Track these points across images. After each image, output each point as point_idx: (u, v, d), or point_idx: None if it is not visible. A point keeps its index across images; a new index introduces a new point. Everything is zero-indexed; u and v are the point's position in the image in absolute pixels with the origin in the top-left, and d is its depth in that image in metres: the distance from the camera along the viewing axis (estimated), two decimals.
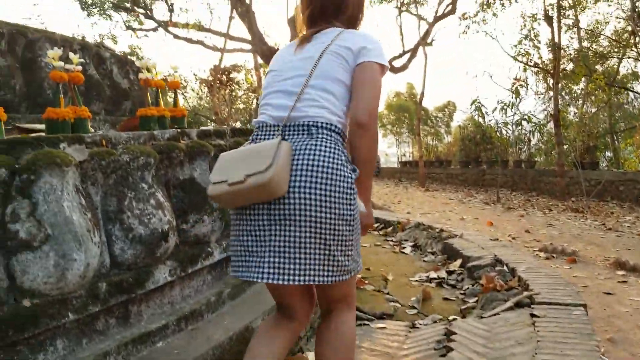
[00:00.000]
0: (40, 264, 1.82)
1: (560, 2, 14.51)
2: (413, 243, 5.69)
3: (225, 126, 3.68)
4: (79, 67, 2.33)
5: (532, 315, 2.90)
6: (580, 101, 20.96)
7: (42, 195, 1.85)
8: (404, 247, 5.54)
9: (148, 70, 2.77)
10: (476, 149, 17.63)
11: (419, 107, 20.18)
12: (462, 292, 3.92)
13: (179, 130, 2.72)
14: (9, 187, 1.83)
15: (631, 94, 20.95)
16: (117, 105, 3.86)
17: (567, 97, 21.85)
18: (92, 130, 2.60)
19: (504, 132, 14.68)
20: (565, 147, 14.73)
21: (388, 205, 12.85)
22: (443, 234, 5.43)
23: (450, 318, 3.23)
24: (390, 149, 31.99)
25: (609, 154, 19.50)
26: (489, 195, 14.41)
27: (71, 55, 2.30)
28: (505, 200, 13.45)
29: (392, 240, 6.02)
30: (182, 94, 23.04)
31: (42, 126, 2.31)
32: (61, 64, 2.21)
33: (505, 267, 4.01)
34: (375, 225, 6.96)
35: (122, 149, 2.28)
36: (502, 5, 14.96)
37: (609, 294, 5.11)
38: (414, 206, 12.78)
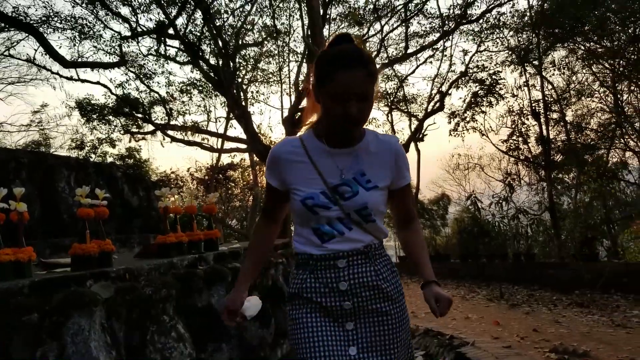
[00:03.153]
0: None
1: (546, 98, 15.14)
2: (424, 352, 5.56)
3: (239, 245, 3.73)
4: (105, 202, 2.41)
5: None
6: (573, 191, 21.26)
7: (71, 336, 1.86)
8: (415, 357, 5.41)
9: (167, 197, 2.85)
10: (474, 242, 17.63)
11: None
12: None
13: (196, 255, 2.76)
14: (39, 330, 1.84)
15: (623, 182, 21.33)
16: (128, 223, 3.91)
17: (559, 187, 22.20)
18: (115, 257, 2.63)
19: (501, 226, 14.76)
20: (563, 238, 14.80)
21: None
22: (454, 341, 5.33)
23: None
24: (389, 243, 31.91)
25: (607, 243, 19.52)
26: (492, 290, 14.24)
27: (97, 191, 2.39)
28: (509, 295, 13.28)
29: None
30: (179, 194, 23.25)
31: (67, 260, 2.35)
32: (88, 201, 2.28)
33: None
34: None
35: (144, 281, 2.30)
36: (490, 104, 15.57)
37: None
38: (417, 304, 12.55)
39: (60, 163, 3.42)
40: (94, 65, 16.49)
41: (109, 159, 23.14)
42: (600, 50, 15.71)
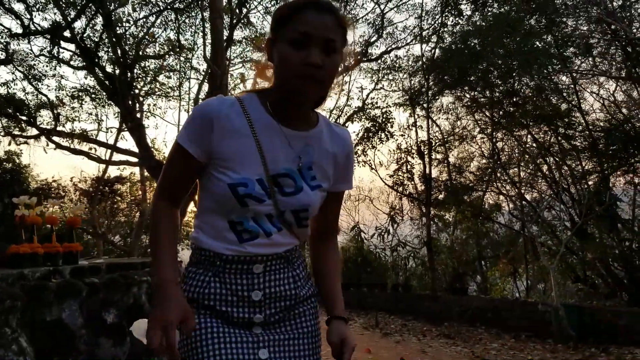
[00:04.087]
0: None
1: (431, 140, 16.07)
2: None
3: (102, 260, 3.62)
4: None
5: None
6: (451, 228, 22.57)
7: None
8: None
9: (26, 206, 2.74)
10: (357, 271, 18.15)
11: None
12: None
13: (51, 268, 2.67)
14: None
15: (496, 223, 22.97)
16: None
17: (440, 224, 23.47)
18: None
19: (381, 256, 15.36)
20: (438, 272, 15.64)
21: None
22: None
23: None
24: None
25: (479, 278, 20.86)
26: (369, 319, 14.70)
27: None
28: (384, 324, 13.78)
29: None
30: (60, 206, 21.98)
31: None
32: None
33: None
34: None
35: None
36: (380, 140, 16.31)
37: None
38: None
39: None
40: None
41: None
42: (482, 99, 16.98)
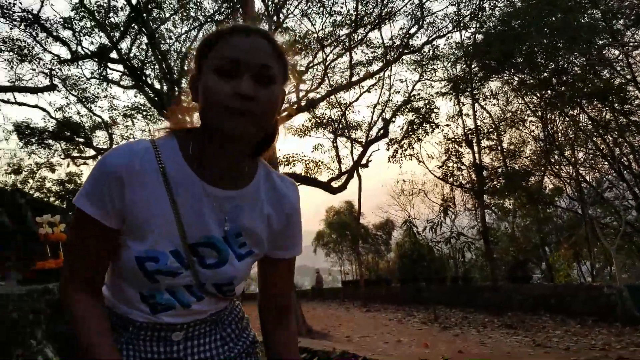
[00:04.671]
0: None
1: (479, 127, 15.75)
2: None
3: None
4: None
5: None
6: (511, 216, 22.05)
7: None
8: None
9: (50, 225, 2.91)
10: (413, 266, 18.00)
11: (358, 226, 20.68)
12: None
13: None
14: None
15: (557, 208, 22.28)
16: (29, 249, 3.92)
17: (498, 213, 22.95)
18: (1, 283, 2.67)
19: (435, 250, 15.17)
20: (497, 262, 15.31)
21: (328, 330, 12.76)
22: None
23: None
24: (334, 267, 32.13)
25: (544, 265, 20.29)
26: (428, 313, 14.54)
27: None
28: (443, 318, 13.59)
29: None
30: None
31: None
32: None
33: None
34: (302, 355, 6.92)
35: (12, 306, 2.35)
36: (425, 132, 16.11)
37: None
38: (354, 329, 12.72)
39: None
40: (19, 89, 16.19)
41: (48, 184, 22.61)
42: (530, 81, 16.49)
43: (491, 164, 17.87)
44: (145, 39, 16.34)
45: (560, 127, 17.92)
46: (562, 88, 15.38)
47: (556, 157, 18.41)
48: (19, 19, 14.75)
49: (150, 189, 1.16)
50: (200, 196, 1.20)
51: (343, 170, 20.28)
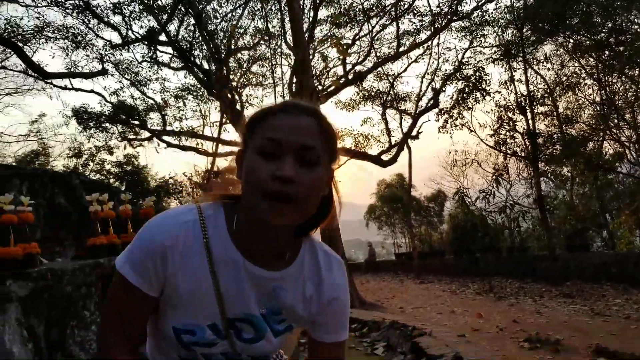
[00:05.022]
0: None
1: (532, 92, 15.25)
2: (386, 343, 5.74)
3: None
4: (29, 208, 2.62)
5: None
6: (569, 184, 21.36)
7: None
8: (376, 348, 5.60)
9: (98, 203, 3.05)
10: (468, 237, 17.77)
11: (409, 199, 20.53)
12: None
13: None
14: None
15: (619, 174, 21.41)
16: (85, 229, 4.12)
17: (556, 181, 22.26)
18: (46, 261, 2.83)
19: (488, 220, 14.92)
20: (554, 230, 14.93)
21: (381, 302, 12.83)
22: (414, 332, 5.50)
23: None
24: (387, 240, 32.13)
25: (605, 234, 19.63)
26: (483, 284, 14.39)
27: (22, 198, 2.59)
28: (498, 289, 13.43)
29: (366, 341, 6.07)
30: (179, 199, 23.61)
31: None
32: (11, 207, 2.49)
33: None
34: (352, 326, 7.02)
35: (66, 280, 2.50)
36: (476, 100, 15.72)
37: None
38: (407, 300, 12.75)
39: (11, 173, 3.63)
40: (73, 75, 16.74)
41: (107, 167, 23.47)
42: (586, 42, 15.79)
43: (546, 130, 17.30)
44: (192, 20, 16.57)
45: (620, 90, 17.10)
46: (621, 48, 14.65)
47: (615, 121, 17.63)
48: (71, 7, 15.23)
49: (193, 263, 1.17)
50: (242, 274, 1.20)
51: (393, 142, 20.18)
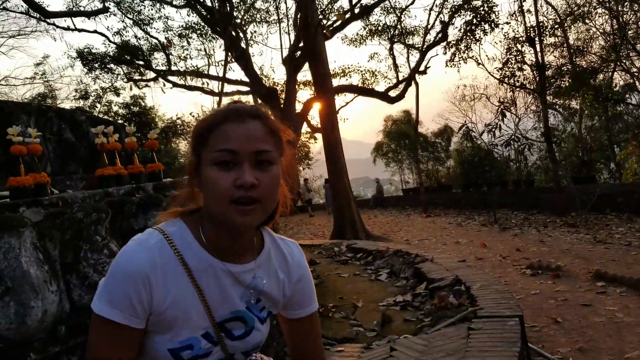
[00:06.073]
0: (3, 313, 2.14)
1: (540, 23, 14.92)
2: (389, 270, 5.95)
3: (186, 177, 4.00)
4: (37, 140, 2.71)
5: (469, 329, 3.16)
6: (577, 116, 21.19)
7: (2, 253, 2.19)
8: (379, 275, 5.81)
9: (104, 135, 3.15)
10: (474, 171, 17.85)
11: (416, 134, 20.51)
12: (422, 312, 4.18)
13: (134, 185, 3.05)
14: None
15: (628, 104, 21.17)
16: (94, 163, 4.24)
17: (565, 113, 22.06)
18: (57, 191, 2.96)
19: (494, 153, 14.94)
20: (562, 162, 14.96)
21: (388, 234, 13.09)
22: (417, 259, 5.68)
23: (402, 337, 3.49)
24: (395, 177, 32.28)
25: (612, 165, 19.61)
26: (488, 216, 14.58)
27: (30, 130, 2.68)
28: (503, 220, 13.62)
29: (370, 269, 6.28)
30: (187, 139, 23.76)
31: (6, 193, 2.67)
32: (20, 139, 2.58)
33: (462, 287, 4.27)
34: (358, 255, 7.24)
35: (77, 207, 2.62)
36: (484, 32, 15.40)
37: (587, 305, 5.33)
38: (413, 233, 12.99)
39: (18, 109, 3.71)
40: (74, 14, 16.49)
41: (115, 108, 23.53)
42: None
43: (555, 61, 17.02)
44: None
45: (631, 19, 16.67)
46: None
47: (626, 51, 17.28)
48: None
49: (174, 281, 1.19)
50: (221, 275, 1.24)
51: (400, 78, 19.97)
